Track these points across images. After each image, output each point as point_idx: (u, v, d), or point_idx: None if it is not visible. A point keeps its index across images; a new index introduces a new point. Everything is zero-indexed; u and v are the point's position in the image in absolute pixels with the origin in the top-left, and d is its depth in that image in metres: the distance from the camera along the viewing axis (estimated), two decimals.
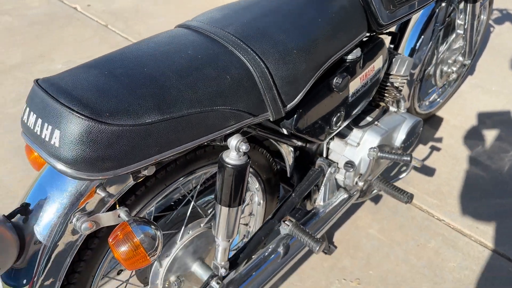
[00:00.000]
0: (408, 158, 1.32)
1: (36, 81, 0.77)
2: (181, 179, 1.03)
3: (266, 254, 1.26)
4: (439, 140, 2.24)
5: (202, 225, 1.18)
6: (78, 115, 0.70)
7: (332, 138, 1.42)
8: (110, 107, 0.73)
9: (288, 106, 0.99)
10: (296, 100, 1.00)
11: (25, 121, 0.77)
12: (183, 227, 1.12)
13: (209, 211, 1.25)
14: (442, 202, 1.91)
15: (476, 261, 1.68)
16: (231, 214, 1.01)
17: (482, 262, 1.67)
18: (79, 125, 0.70)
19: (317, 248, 1.20)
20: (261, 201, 1.36)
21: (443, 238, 1.76)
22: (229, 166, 0.94)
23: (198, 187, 1.20)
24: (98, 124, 0.71)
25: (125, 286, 1.29)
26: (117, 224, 0.82)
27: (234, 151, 0.93)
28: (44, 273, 0.81)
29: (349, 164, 1.37)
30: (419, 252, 1.71)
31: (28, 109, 0.76)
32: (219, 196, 0.98)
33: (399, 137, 1.46)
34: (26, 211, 0.81)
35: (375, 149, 1.33)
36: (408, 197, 1.41)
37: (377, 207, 1.87)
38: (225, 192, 0.97)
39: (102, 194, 0.84)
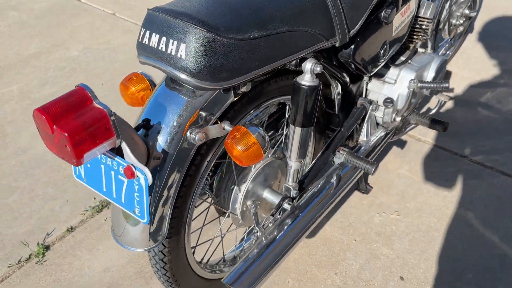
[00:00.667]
0: (447, 85, 1.46)
1: (150, 9, 0.89)
2: (264, 103, 1.15)
3: (323, 182, 1.39)
4: (451, 90, 2.40)
5: (269, 155, 1.30)
6: (202, 29, 0.82)
7: (370, 79, 1.56)
8: (223, 23, 0.85)
9: (351, 31, 1.12)
10: (357, 26, 1.13)
11: (146, 43, 0.88)
12: None
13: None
14: (462, 142, 2.06)
15: (500, 188, 1.84)
16: (304, 134, 1.13)
17: (506, 189, 1.83)
18: (203, 38, 0.82)
19: (373, 170, 1.33)
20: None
21: (468, 172, 1.91)
22: (304, 87, 1.06)
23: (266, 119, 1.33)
24: (218, 36, 0.83)
25: (207, 212, 1.39)
26: (222, 137, 0.94)
27: (309, 74, 1.06)
28: (164, 180, 0.92)
29: (388, 100, 1.50)
30: (448, 185, 1.86)
31: (148, 32, 0.88)
32: (293, 118, 1.10)
33: (430, 74, 1.61)
34: (147, 125, 0.92)
35: (415, 81, 1.47)
36: (444, 125, 1.56)
37: (403, 151, 2.02)
38: (299, 113, 1.09)
39: (208, 109, 0.95)
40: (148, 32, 0.88)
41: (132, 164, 0.80)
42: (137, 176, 0.82)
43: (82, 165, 0.93)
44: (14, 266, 1.62)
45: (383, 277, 1.53)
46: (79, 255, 1.65)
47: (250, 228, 1.52)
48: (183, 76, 0.84)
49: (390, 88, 1.53)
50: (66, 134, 0.71)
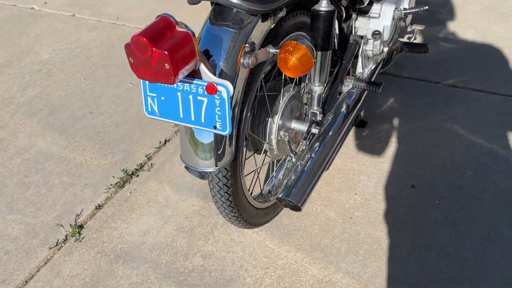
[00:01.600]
0: (427, 7, 1.67)
1: None
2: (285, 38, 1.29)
3: (339, 107, 1.54)
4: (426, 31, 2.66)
5: (291, 89, 1.45)
6: None
7: (357, 17, 1.74)
8: None
9: None
10: None
11: None
12: (282, 89, 1.39)
13: None
14: (433, 72, 2.31)
15: (475, 101, 2.09)
16: (324, 58, 1.29)
17: (479, 101, 2.09)
18: None
19: (379, 89, 1.51)
20: None
21: (444, 94, 2.15)
22: (322, 12, 1.21)
23: None
24: None
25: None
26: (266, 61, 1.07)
27: (325, 0, 1.21)
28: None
29: (376, 33, 1.69)
30: (431, 107, 2.09)
31: None
32: (314, 44, 1.26)
33: (405, 2, 1.82)
34: (207, 55, 1.03)
35: (398, 9, 1.67)
36: (426, 47, 1.77)
37: (386, 87, 2.23)
38: (320, 37, 1.24)
39: (254, 37, 1.08)
40: None
41: (212, 82, 0.92)
42: (219, 90, 0.93)
43: (155, 100, 1.03)
44: (54, 248, 1.67)
45: (396, 188, 1.73)
46: (114, 226, 1.72)
47: (280, 162, 1.66)
48: (237, 1, 0.97)
49: (376, 22, 1.72)
50: (166, 52, 0.81)
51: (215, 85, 0.92)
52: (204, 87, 0.94)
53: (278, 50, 1.06)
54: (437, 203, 1.64)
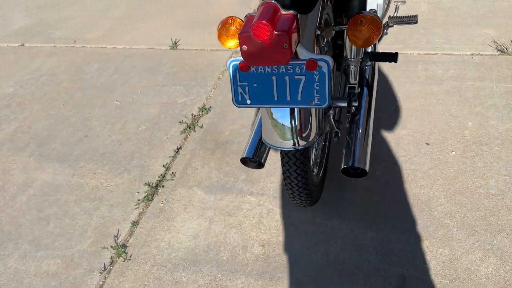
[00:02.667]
0: None
1: None
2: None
3: (366, 83, 1.65)
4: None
5: None
6: None
7: None
8: None
9: None
10: None
11: None
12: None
13: None
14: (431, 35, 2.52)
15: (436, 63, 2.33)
16: None
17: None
18: None
19: (396, 58, 1.65)
20: None
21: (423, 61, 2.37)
22: None
23: None
24: None
25: None
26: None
27: None
28: None
29: (372, 10, 1.84)
30: (415, 70, 2.29)
31: None
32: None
33: None
34: None
35: None
36: (415, 18, 1.94)
37: None
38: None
39: (322, 16, 1.16)
40: None
41: (312, 58, 0.98)
42: (320, 65, 1.00)
43: (247, 89, 1.07)
44: (103, 272, 1.61)
45: (414, 148, 1.88)
46: (160, 238, 1.70)
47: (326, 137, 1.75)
48: None
49: (370, 1, 1.87)
50: (286, 33, 0.87)
51: (316, 61, 0.99)
52: (304, 65, 1.00)
53: (345, 27, 1.15)
54: (453, 153, 1.82)
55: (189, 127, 2.18)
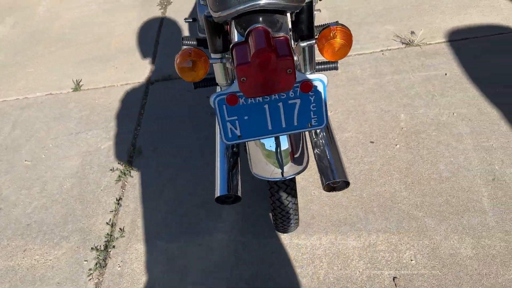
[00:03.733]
0: None
1: None
2: None
3: None
4: None
5: None
6: None
7: None
8: None
9: None
10: None
11: None
12: None
13: None
14: None
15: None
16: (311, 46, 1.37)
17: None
18: None
19: (337, 65, 1.66)
20: None
21: None
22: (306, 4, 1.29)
23: None
24: None
25: None
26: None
27: None
28: None
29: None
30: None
31: None
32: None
33: None
34: None
35: None
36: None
37: None
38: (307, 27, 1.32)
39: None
40: None
41: (306, 79, 0.91)
42: (315, 85, 0.92)
43: (237, 123, 0.96)
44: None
45: (362, 149, 1.92)
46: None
47: None
48: (282, 1, 0.97)
49: None
50: (289, 57, 0.79)
51: (311, 81, 0.92)
52: (298, 88, 0.93)
53: (314, 41, 1.10)
54: (397, 146, 1.89)
55: (124, 173, 1.96)
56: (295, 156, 1.09)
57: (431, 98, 2.07)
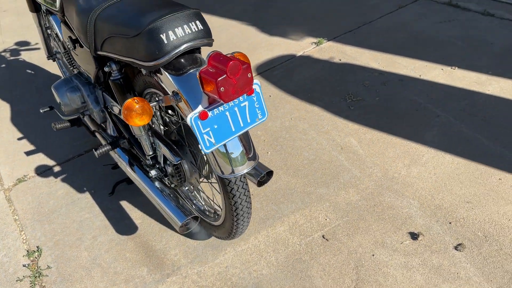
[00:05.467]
0: None
1: (150, 25, 1.23)
2: None
3: None
4: None
5: None
6: (195, 8, 1.30)
7: None
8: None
9: None
10: None
11: (173, 38, 1.23)
12: None
13: None
14: None
15: None
16: None
17: None
18: (199, 13, 1.31)
19: None
20: None
21: None
22: None
23: None
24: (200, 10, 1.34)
25: None
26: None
27: None
28: None
29: None
30: None
31: (168, 31, 1.23)
32: None
33: None
34: None
35: None
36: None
37: None
38: None
39: None
40: (171, 32, 1.22)
41: None
42: (254, 88, 1.25)
43: (210, 133, 1.20)
44: None
45: None
46: None
47: None
48: (206, 41, 1.29)
49: None
50: (247, 64, 1.11)
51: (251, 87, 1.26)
52: (247, 93, 1.25)
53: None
54: (269, 153, 2.34)
55: (35, 275, 1.84)
56: (251, 149, 1.39)
57: (271, 113, 2.62)
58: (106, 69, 1.53)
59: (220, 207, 1.69)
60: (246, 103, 1.30)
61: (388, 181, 2.05)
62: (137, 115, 1.32)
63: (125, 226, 2.01)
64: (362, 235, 1.83)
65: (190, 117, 1.21)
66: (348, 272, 1.70)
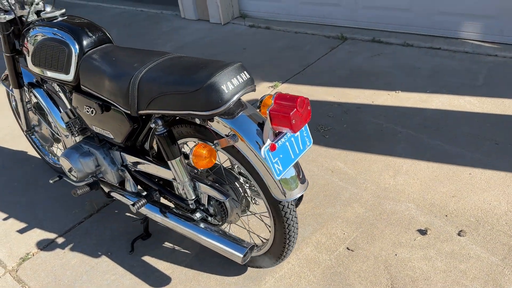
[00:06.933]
0: None
1: (211, 80, 1.41)
2: None
3: None
4: None
5: None
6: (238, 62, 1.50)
7: None
8: None
9: None
10: None
11: (231, 88, 1.42)
12: None
13: None
14: None
15: None
16: None
17: None
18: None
19: None
20: None
21: None
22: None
23: None
24: None
25: None
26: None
27: None
28: None
29: None
30: None
31: (227, 83, 1.42)
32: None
33: None
34: None
35: None
36: None
37: None
38: None
39: None
40: (229, 83, 1.41)
41: None
42: None
43: (278, 162, 1.38)
44: None
45: None
46: None
47: None
48: (252, 88, 1.49)
49: None
50: (308, 99, 1.33)
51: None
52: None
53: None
54: None
55: None
56: (300, 175, 1.58)
57: None
58: (152, 125, 1.64)
59: (258, 236, 1.83)
60: (298, 133, 1.51)
61: (383, 191, 2.35)
62: (206, 158, 1.46)
63: (157, 279, 2.04)
64: (380, 240, 2.07)
65: (264, 150, 1.38)
66: (381, 273, 1.91)
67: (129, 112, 1.67)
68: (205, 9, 5.31)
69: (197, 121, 1.58)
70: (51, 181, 2.20)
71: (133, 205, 1.84)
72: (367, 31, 4.26)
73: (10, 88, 2.64)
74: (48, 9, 2.20)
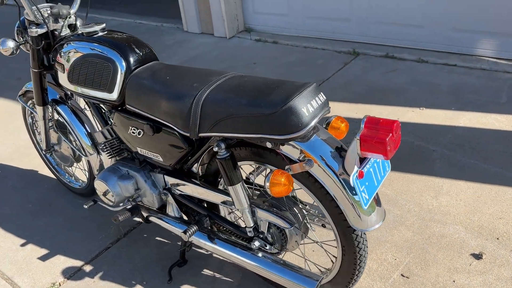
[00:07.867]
0: None
1: (289, 102, 1.32)
2: None
3: None
4: None
5: None
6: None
7: None
8: None
9: None
10: None
11: (311, 110, 1.32)
12: None
13: None
14: None
15: None
16: None
17: None
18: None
19: None
20: None
21: None
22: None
23: None
24: None
25: None
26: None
27: None
28: None
29: None
30: None
31: (307, 105, 1.32)
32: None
33: None
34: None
35: None
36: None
37: None
38: None
39: None
40: (308, 105, 1.31)
41: None
42: None
43: (365, 190, 1.29)
44: None
45: None
46: None
47: None
48: (328, 110, 1.40)
49: None
50: (399, 121, 1.25)
51: None
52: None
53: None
54: None
55: None
56: (378, 203, 1.48)
57: None
58: (215, 149, 1.53)
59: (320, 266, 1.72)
60: (380, 160, 1.42)
61: (427, 213, 2.27)
62: (285, 186, 1.35)
63: None
64: (434, 266, 1.98)
65: (352, 178, 1.29)
66: None
67: (187, 134, 1.55)
68: (209, 22, 5.22)
69: (268, 145, 1.47)
70: (85, 206, 2.04)
71: (184, 232, 1.71)
72: (380, 47, 4.24)
73: (29, 105, 2.48)
74: (78, 23, 2.07)
